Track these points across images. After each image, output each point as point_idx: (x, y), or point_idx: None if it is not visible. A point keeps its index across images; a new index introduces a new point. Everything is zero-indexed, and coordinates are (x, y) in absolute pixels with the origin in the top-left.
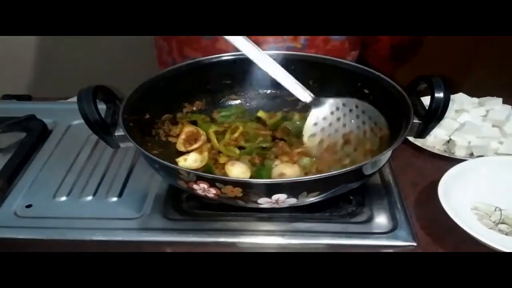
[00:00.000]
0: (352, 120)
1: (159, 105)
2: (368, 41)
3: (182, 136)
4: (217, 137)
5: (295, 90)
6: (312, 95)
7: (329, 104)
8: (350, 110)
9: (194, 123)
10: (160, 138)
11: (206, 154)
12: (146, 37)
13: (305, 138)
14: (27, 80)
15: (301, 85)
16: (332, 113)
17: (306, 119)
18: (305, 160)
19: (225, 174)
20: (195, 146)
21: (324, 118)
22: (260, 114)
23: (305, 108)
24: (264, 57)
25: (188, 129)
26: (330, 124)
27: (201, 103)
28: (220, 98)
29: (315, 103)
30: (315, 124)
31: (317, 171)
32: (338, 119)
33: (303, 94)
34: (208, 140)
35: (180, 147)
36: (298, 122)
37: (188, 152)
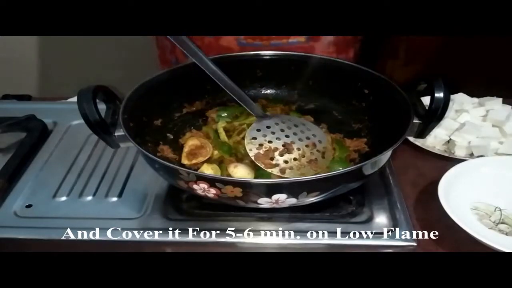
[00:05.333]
0: (296, 134)
1: (159, 105)
2: None
3: (186, 149)
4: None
5: (249, 105)
6: (262, 112)
7: (276, 117)
8: (296, 125)
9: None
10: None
11: (216, 166)
12: (146, 37)
13: (247, 141)
14: (27, 80)
15: (251, 101)
16: (276, 124)
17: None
18: None
19: (228, 175)
20: (200, 159)
21: (268, 126)
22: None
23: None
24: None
25: (192, 142)
26: (273, 133)
27: (201, 103)
28: (220, 98)
29: (263, 116)
30: (258, 130)
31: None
32: (282, 130)
33: (254, 109)
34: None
35: (184, 160)
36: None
37: (192, 165)
